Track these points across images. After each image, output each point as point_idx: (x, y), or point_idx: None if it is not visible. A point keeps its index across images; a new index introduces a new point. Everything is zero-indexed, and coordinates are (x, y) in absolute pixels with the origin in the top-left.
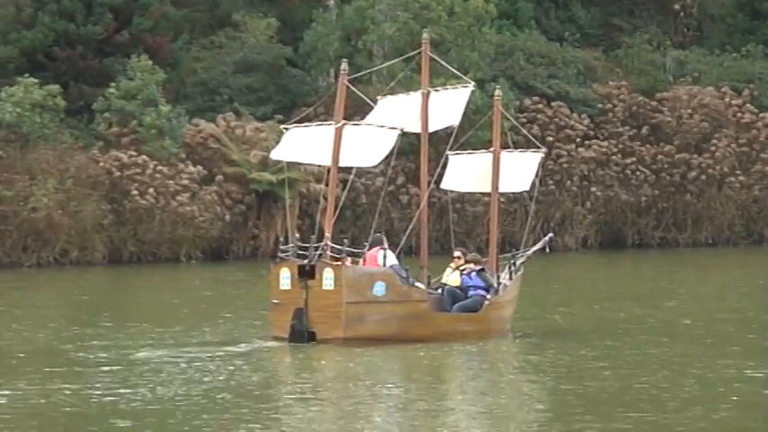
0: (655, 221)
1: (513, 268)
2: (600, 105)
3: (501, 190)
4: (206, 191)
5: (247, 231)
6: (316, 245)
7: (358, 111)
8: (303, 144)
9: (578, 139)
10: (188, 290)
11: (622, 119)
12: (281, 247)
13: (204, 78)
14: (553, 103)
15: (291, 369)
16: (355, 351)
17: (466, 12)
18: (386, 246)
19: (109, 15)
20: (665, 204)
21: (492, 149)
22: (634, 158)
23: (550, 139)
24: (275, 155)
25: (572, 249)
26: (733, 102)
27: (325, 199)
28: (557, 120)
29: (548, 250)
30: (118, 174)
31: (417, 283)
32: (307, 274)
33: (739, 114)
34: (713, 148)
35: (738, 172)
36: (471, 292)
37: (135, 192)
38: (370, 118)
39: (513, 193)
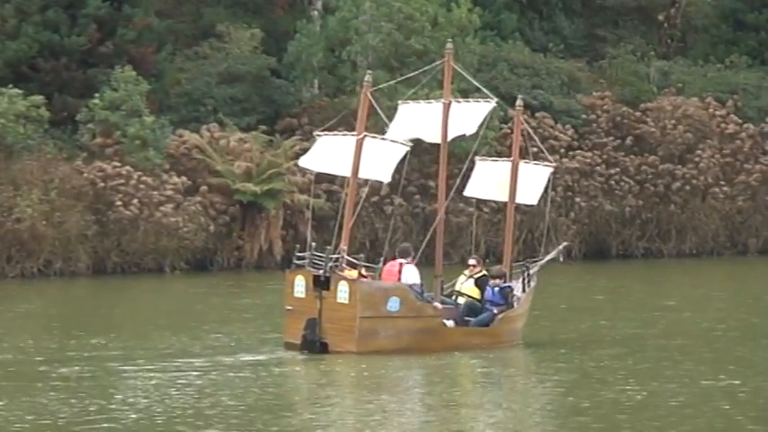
0: (639, 232)
1: (526, 279)
2: (584, 116)
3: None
4: (190, 201)
5: (231, 242)
6: (332, 256)
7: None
8: (331, 154)
9: (562, 150)
10: (173, 300)
11: (606, 129)
12: (297, 254)
13: (188, 89)
14: (537, 114)
15: (288, 380)
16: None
17: (449, 22)
18: (409, 260)
19: (93, 26)
20: (649, 215)
21: (512, 159)
22: (618, 169)
23: (534, 149)
24: (303, 162)
25: (556, 260)
26: (717, 112)
27: (309, 209)
28: (541, 130)
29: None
30: (102, 184)
31: (436, 304)
32: (322, 284)
33: (723, 125)
34: (697, 159)
35: (722, 182)
36: (488, 307)
37: (119, 202)
38: (393, 124)
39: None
